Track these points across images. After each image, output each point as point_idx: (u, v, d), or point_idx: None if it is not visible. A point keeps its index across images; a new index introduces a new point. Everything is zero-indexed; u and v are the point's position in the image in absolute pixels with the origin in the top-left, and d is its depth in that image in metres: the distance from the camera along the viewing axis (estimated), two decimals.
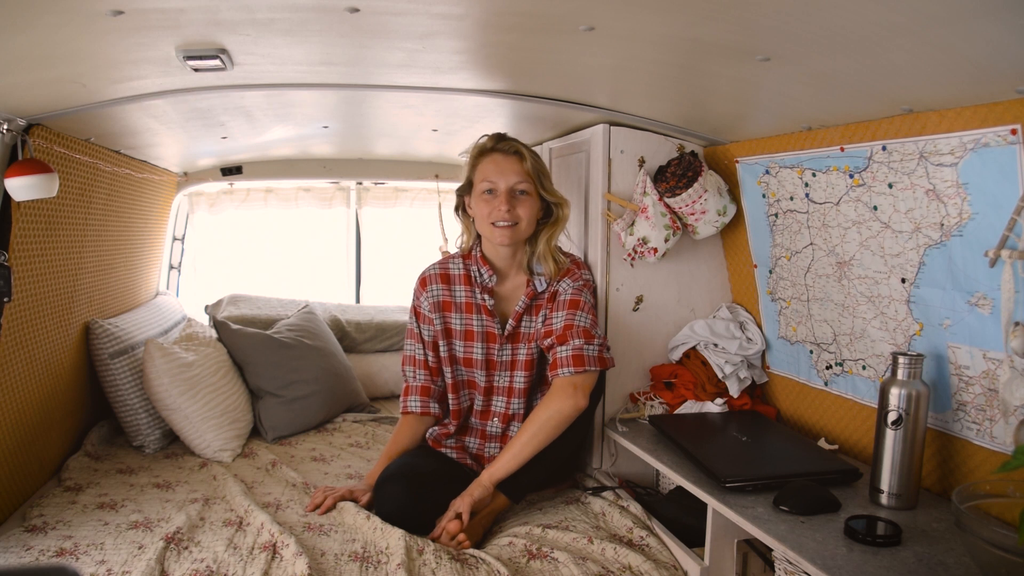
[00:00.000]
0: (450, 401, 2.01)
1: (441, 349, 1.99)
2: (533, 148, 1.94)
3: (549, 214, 1.94)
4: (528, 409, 1.96)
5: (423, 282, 2.01)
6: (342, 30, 1.37)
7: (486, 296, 1.94)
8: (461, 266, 1.99)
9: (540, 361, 1.96)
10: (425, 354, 2.01)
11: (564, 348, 1.80)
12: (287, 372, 2.62)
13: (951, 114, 1.32)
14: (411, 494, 1.78)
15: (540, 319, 1.93)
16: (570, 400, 1.76)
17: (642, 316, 2.17)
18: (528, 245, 1.96)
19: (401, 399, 2.06)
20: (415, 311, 2.02)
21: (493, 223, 1.87)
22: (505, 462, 1.78)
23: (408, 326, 2.05)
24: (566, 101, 1.96)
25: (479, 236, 1.97)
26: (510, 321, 1.95)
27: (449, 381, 2.00)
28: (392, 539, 1.62)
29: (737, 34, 1.25)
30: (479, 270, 1.95)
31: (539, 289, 1.94)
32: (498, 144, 1.90)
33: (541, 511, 1.89)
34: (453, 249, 2.08)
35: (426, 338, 2.01)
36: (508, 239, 1.87)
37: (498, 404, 1.99)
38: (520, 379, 1.95)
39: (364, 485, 1.92)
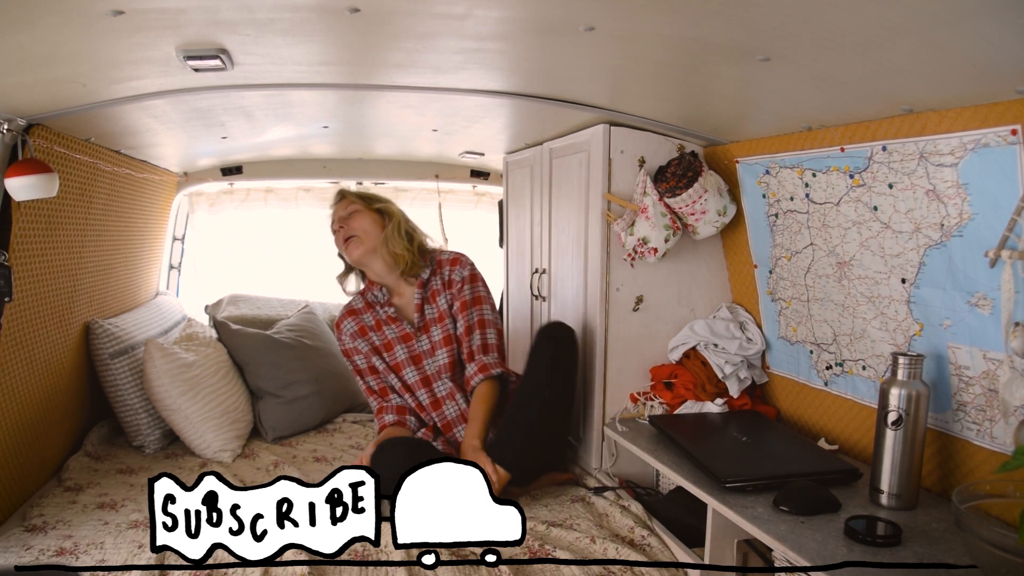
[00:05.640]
0: (409, 400, 2.16)
1: (378, 364, 2.18)
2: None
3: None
4: (462, 377, 2.15)
5: (337, 326, 2.26)
6: (342, 30, 1.37)
7: (388, 308, 2.19)
8: (360, 300, 2.25)
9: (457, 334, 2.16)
10: (367, 383, 2.21)
11: (471, 366, 2.10)
12: (287, 372, 2.62)
13: (951, 114, 1.32)
14: (411, 459, 1.79)
15: (444, 300, 2.17)
16: (489, 381, 2.05)
17: (642, 316, 2.17)
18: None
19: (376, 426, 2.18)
20: (343, 352, 2.24)
21: (345, 244, 2.16)
22: (474, 427, 1.96)
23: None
24: (566, 101, 1.96)
25: (360, 272, 2.27)
26: (415, 316, 2.17)
27: (399, 384, 2.17)
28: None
29: (737, 34, 1.25)
30: (372, 292, 2.22)
31: (424, 277, 2.18)
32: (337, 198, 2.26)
33: (546, 507, 1.90)
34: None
35: (361, 366, 2.21)
36: (357, 249, 2.14)
37: (440, 388, 2.15)
38: (443, 355, 2.15)
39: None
